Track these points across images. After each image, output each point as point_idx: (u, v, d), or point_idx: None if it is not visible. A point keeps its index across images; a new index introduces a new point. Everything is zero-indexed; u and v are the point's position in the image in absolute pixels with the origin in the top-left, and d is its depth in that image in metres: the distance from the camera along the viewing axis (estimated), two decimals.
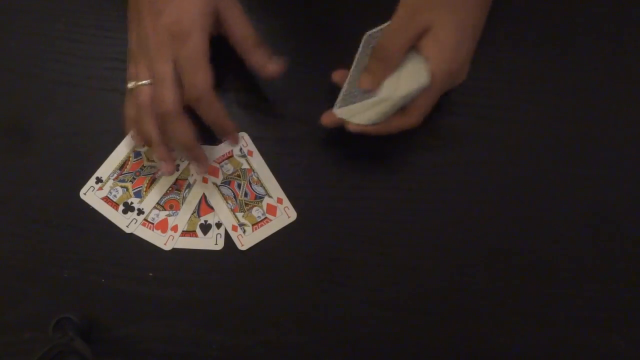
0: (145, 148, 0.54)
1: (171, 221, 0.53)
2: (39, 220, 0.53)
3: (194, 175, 0.54)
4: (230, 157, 0.55)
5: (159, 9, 0.46)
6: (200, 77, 0.45)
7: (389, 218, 0.54)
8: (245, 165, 0.55)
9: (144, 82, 0.47)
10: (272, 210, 0.54)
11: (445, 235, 0.54)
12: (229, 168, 0.54)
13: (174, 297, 0.52)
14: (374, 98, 0.48)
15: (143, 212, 0.53)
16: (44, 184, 0.53)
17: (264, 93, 0.55)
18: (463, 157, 0.55)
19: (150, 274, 0.52)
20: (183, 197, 0.54)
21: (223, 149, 0.55)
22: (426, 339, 0.53)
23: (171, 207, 0.54)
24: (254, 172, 0.54)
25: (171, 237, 0.53)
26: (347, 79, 0.50)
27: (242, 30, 0.49)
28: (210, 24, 0.46)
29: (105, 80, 0.55)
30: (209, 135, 0.55)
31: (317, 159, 0.55)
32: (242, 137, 0.55)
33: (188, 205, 0.54)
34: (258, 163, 0.54)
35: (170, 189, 0.54)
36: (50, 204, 0.53)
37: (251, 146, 0.55)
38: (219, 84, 0.55)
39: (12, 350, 0.51)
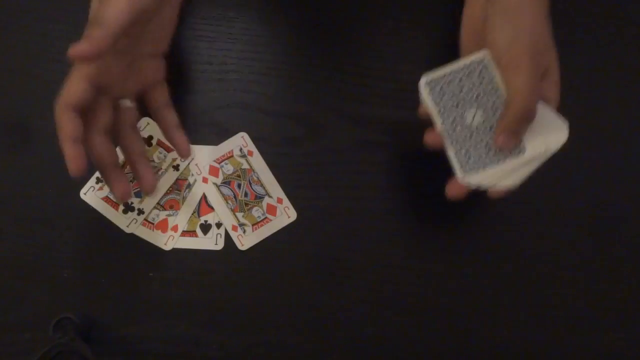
0: (145, 148, 0.54)
1: (171, 221, 0.53)
2: (39, 220, 0.53)
3: (194, 175, 0.54)
4: (230, 157, 0.55)
5: None
6: (71, 88, 0.42)
7: (389, 218, 0.54)
8: (245, 165, 0.55)
9: None
10: (272, 210, 0.54)
11: (445, 235, 0.54)
12: (229, 168, 0.54)
13: (174, 297, 0.52)
14: (522, 157, 0.44)
15: (143, 212, 0.53)
16: (44, 184, 0.53)
17: (264, 93, 0.55)
18: None
19: (150, 274, 0.52)
20: (183, 197, 0.54)
21: (223, 148, 0.55)
22: (426, 339, 0.53)
23: (171, 207, 0.54)
24: (254, 172, 0.54)
25: (171, 237, 0.53)
26: (449, 140, 0.45)
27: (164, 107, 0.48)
28: None
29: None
30: (208, 134, 0.55)
31: (317, 159, 0.55)
32: (242, 137, 0.55)
33: (188, 205, 0.54)
34: (258, 163, 0.54)
35: (170, 189, 0.54)
36: (50, 204, 0.53)
37: (251, 146, 0.55)
38: (219, 83, 0.55)
39: (12, 350, 0.51)
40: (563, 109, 0.56)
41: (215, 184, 0.54)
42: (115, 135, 0.46)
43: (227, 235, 0.53)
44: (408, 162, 0.55)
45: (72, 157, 0.41)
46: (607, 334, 0.53)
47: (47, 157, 0.54)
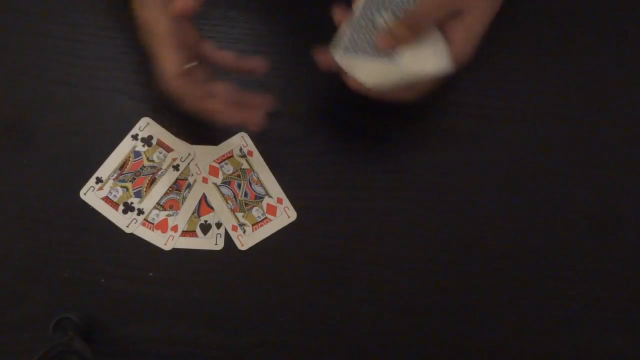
0: (145, 148, 0.54)
1: (171, 221, 0.53)
2: (39, 220, 0.53)
3: (194, 175, 0.54)
4: (230, 157, 0.55)
5: None
6: (162, 66, 0.45)
7: (389, 218, 0.54)
8: (245, 165, 0.55)
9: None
10: (272, 210, 0.54)
11: (445, 235, 0.54)
12: (229, 168, 0.54)
13: (174, 297, 0.52)
14: (387, 61, 0.46)
15: (143, 212, 0.53)
16: (44, 184, 0.53)
17: (264, 93, 0.55)
18: (463, 157, 0.55)
19: (150, 274, 0.52)
20: (183, 197, 0.54)
21: (223, 148, 0.55)
22: (426, 339, 0.53)
23: (171, 207, 0.54)
24: (254, 172, 0.54)
25: (171, 237, 0.53)
26: (351, 23, 0.47)
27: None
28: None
29: (105, 80, 0.55)
30: (208, 134, 0.55)
31: (317, 159, 0.55)
32: (242, 137, 0.55)
33: (188, 205, 0.54)
34: (258, 163, 0.55)
35: (170, 189, 0.54)
36: (50, 204, 0.53)
37: (251, 146, 0.55)
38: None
39: (12, 350, 0.51)
40: (563, 109, 0.57)
41: (215, 184, 0.54)
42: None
43: (227, 235, 0.53)
44: (408, 162, 0.55)
45: (220, 110, 0.47)
46: (607, 334, 0.53)
47: (47, 157, 0.54)
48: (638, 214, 0.55)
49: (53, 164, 0.53)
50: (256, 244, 0.53)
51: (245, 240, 0.53)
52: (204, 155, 0.54)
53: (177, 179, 0.54)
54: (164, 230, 0.53)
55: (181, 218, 0.53)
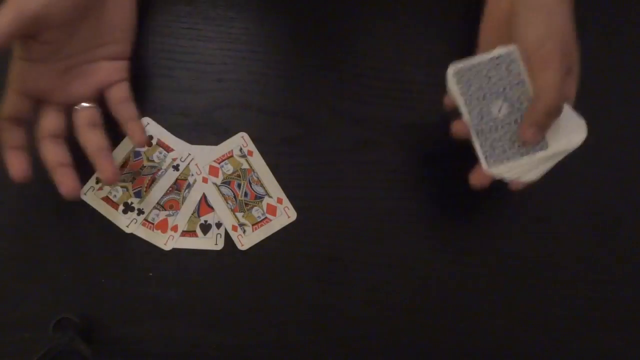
0: (145, 148, 0.54)
1: (171, 221, 0.53)
2: (39, 220, 0.53)
3: (194, 175, 0.54)
4: (230, 157, 0.55)
5: None
6: (3, 104, 0.45)
7: (389, 218, 0.54)
8: (245, 165, 0.55)
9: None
10: (272, 210, 0.54)
11: (445, 235, 0.54)
12: (229, 168, 0.54)
13: (173, 297, 0.52)
14: (545, 153, 0.45)
15: (143, 212, 0.53)
16: (44, 184, 0.53)
17: (264, 93, 0.55)
18: (463, 157, 0.55)
19: (150, 274, 0.52)
20: (183, 197, 0.54)
21: (223, 148, 0.55)
22: (426, 339, 0.53)
23: (171, 207, 0.54)
24: (254, 172, 0.54)
25: (171, 237, 0.53)
26: (475, 131, 0.46)
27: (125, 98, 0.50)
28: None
29: None
30: (208, 134, 0.55)
31: (317, 159, 0.55)
32: (242, 137, 0.55)
33: (188, 205, 0.54)
34: (258, 163, 0.55)
35: (170, 189, 0.54)
36: (50, 204, 0.53)
37: (251, 146, 0.55)
38: (219, 83, 0.55)
39: (12, 350, 0.51)
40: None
41: (215, 184, 0.54)
42: (75, 134, 0.48)
43: (227, 235, 0.53)
44: (408, 162, 0.55)
45: (12, 164, 0.46)
46: (607, 334, 0.53)
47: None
48: (637, 214, 0.55)
49: None
50: (256, 244, 0.53)
51: (245, 240, 0.53)
52: (204, 155, 0.54)
53: (177, 179, 0.54)
54: (164, 230, 0.53)
55: (181, 218, 0.53)
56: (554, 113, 0.44)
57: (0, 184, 0.53)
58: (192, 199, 0.54)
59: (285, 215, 0.54)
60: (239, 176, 0.54)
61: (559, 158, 0.46)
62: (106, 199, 0.53)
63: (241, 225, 0.53)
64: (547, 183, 0.55)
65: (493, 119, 0.46)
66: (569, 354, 0.53)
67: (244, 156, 0.55)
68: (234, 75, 0.55)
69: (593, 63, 0.57)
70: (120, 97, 0.50)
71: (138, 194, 0.54)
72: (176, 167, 0.54)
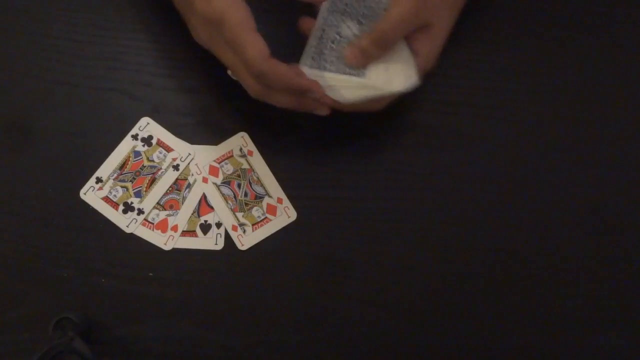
0: (145, 148, 0.54)
1: (171, 221, 0.53)
2: (39, 220, 0.53)
3: (194, 175, 0.54)
4: (230, 157, 0.55)
5: None
6: (250, 53, 0.43)
7: (389, 218, 0.54)
8: (245, 165, 0.55)
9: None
10: (272, 210, 0.54)
11: (445, 235, 0.54)
12: (229, 168, 0.54)
13: (174, 297, 0.52)
14: (359, 79, 0.47)
15: (143, 212, 0.53)
16: (44, 183, 0.53)
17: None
18: (463, 157, 0.55)
19: (150, 274, 0.52)
20: (183, 197, 0.54)
21: (223, 148, 0.55)
22: (426, 339, 0.53)
23: (171, 207, 0.54)
24: (254, 172, 0.54)
25: (171, 237, 0.53)
26: (315, 33, 0.48)
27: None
28: None
29: (105, 80, 0.55)
30: (208, 134, 0.55)
31: (317, 159, 0.55)
32: (242, 137, 0.55)
33: (188, 205, 0.54)
34: (258, 163, 0.55)
35: (170, 188, 0.54)
36: (50, 204, 0.53)
37: (251, 146, 0.55)
38: (219, 82, 0.55)
39: (12, 350, 0.51)
40: (563, 109, 0.57)
41: (215, 183, 0.54)
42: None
43: (227, 235, 0.53)
44: (408, 162, 0.55)
45: (310, 85, 0.46)
46: (606, 334, 0.53)
47: (47, 157, 0.54)
48: (637, 214, 0.55)
49: (53, 164, 0.53)
50: (256, 244, 0.53)
51: (245, 240, 0.53)
52: (204, 155, 0.54)
53: (177, 179, 0.54)
54: (164, 230, 0.53)
55: (181, 218, 0.53)
56: (381, 44, 0.46)
57: (0, 184, 0.53)
58: (192, 199, 0.54)
59: (285, 215, 0.54)
60: (239, 176, 0.54)
61: (375, 94, 0.47)
62: (106, 199, 0.53)
63: (241, 225, 0.53)
64: (547, 183, 0.55)
65: (338, 33, 0.47)
66: (569, 354, 0.53)
67: (244, 156, 0.55)
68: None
69: (593, 62, 0.57)
70: None
71: (138, 194, 0.54)
72: (176, 167, 0.54)
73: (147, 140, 0.54)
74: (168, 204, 0.54)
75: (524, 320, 0.53)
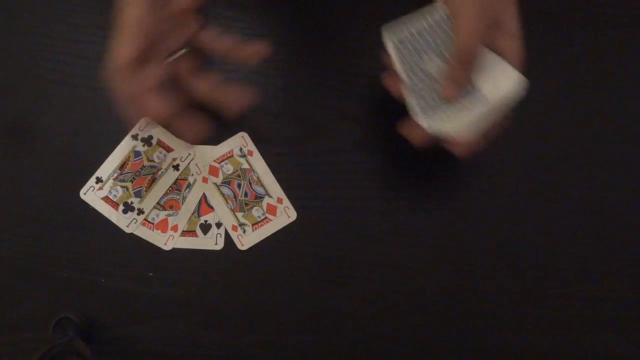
0: (145, 148, 0.54)
1: (171, 221, 0.53)
2: (39, 220, 0.53)
3: (194, 175, 0.54)
4: (230, 157, 0.55)
5: None
6: (120, 50, 0.42)
7: (389, 218, 0.54)
8: (245, 165, 0.55)
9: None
10: (272, 210, 0.54)
11: (445, 235, 0.54)
12: (229, 168, 0.54)
13: (174, 297, 0.52)
14: (469, 104, 0.45)
15: (143, 212, 0.53)
16: (44, 184, 0.53)
17: (264, 93, 0.55)
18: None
19: (150, 274, 0.52)
20: (183, 197, 0.54)
21: (223, 148, 0.55)
22: (426, 339, 0.53)
23: (171, 207, 0.54)
24: (254, 172, 0.54)
25: (171, 237, 0.53)
26: (409, 85, 0.46)
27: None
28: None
29: (105, 80, 0.55)
30: (208, 134, 0.55)
31: (317, 159, 0.55)
32: (242, 137, 0.55)
33: (188, 205, 0.54)
34: (258, 163, 0.54)
35: (170, 189, 0.54)
36: (50, 204, 0.53)
37: (251, 146, 0.55)
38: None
39: (12, 350, 0.51)
40: (563, 109, 0.57)
41: (215, 183, 0.54)
42: (184, 83, 0.47)
43: (227, 235, 0.53)
44: (408, 162, 0.55)
45: (151, 107, 0.43)
46: (606, 334, 0.53)
47: (47, 157, 0.54)
48: (636, 213, 0.55)
49: (53, 164, 0.53)
50: (256, 244, 0.53)
51: (245, 240, 0.53)
52: (204, 155, 0.54)
53: (177, 179, 0.54)
54: (164, 230, 0.53)
55: (181, 218, 0.53)
56: (466, 63, 0.44)
57: (0, 184, 0.53)
58: (192, 199, 0.54)
59: (285, 215, 0.54)
60: (239, 176, 0.54)
61: (495, 112, 0.45)
62: (106, 199, 0.53)
63: (241, 225, 0.53)
64: (547, 182, 0.55)
65: (425, 73, 0.46)
66: (568, 353, 0.53)
67: (244, 156, 0.55)
68: (234, 75, 0.55)
69: (593, 62, 0.57)
70: (216, 32, 0.48)
71: (138, 194, 0.54)
72: (176, 167, 0.54)
73: (147, 140, 0.54)
74: (168, 204, 0.54)
75: (524, 320, 0.53)
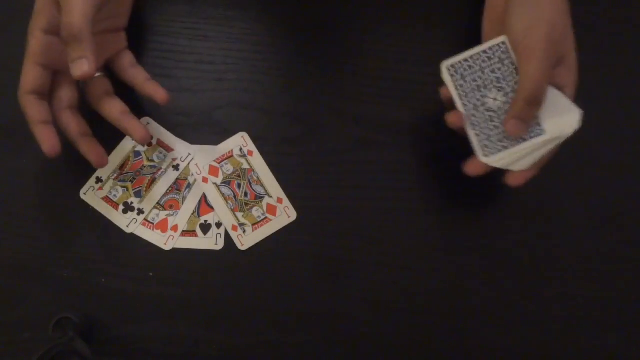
0: (146, 148, 0.54)
1: (171, 221, 0.53)
2: (39, 220, 0.53)
3: (194, 175, 0.54)
4: (230, 157, 0.55)
5: None
6: (23, 79, 0.46)
7: (389, 218, 0.54)
8: (245, 165, 0.55)
9: None
10: (272, 210, 0.54)
11: (445, 235, 0.54)
12: (229, 168, 0.54)
13: (174, 297, 0.52)
14: (536, 141, 0.46)
15: (143, 212, 0.53)
16: (43, 184, 0.53)
17: (264, 93, 0.55)
18: (463, 158, 0.55)
19: (150, 274, 0.52)
20: (183, 197, 0.54)
21: (223, 148, 0.55)
22: (426, 339, 0.53)
23: (171, 207, 0.54)
24: (254, 172, 0.54)
25: (171, 237, 0.53)
26: (470, 121, 0.47)
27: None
28: None
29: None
30: (208, 134, 0.55)
31: (317, 159, 0.55)
32: (242, 137, 0.55)
33: (188, 205, 0.54)
34: (258, 163, 0.55)
35: (170, 189, 0.54)
36: (50, 204, 0.53)
37: (251, 146, 0.55)
38: (219, 83, 0.55)
39: (12, 350, 0.51)
40: None
41: (215, 183, 0.54)
42: (94, 106, 0.49)
43: (227, 235, 0.53)
44: (408, 162, 0.55)
45: (43, 139, 0.46)
46: (606, 334, 0.53)
47: (46, 157, 0.53)
48: (636, 213, 0.55)
49: (52, 164, 0.53)
50: (256, 244, 0.53)
51: (245, 240, 0.53)
52: (204, 155, 0.54)
53: (177, 179, 0.54)
54: (164, 230, 0.53)
55: (181, 218, 0.53)
56: (534, 103, 0.44)
57: (0, 184, 0.53)
58: (192, 199, 0.54)
59: (285, 215, 0.54)
60: (239, 176, 0.54)
61: (550, 146, 0.46)
62: (106, 199, 0.53)
63: (241, 225, 0.53)
64: (546, 182, 0.55)
65: (488, 110, 0.47)
66: (568, 353, 0.53)
67: (244, 156, 0.55)
68: (234, 75, 0.55)
69: (592, 62, 0.57)
70: (130, 62, 0.51)
71: (138, 194, 0.54)
72: (176, 167, 0.54)
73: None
74: (168, 204, 0.54)
75: (523, 320, 0.53)
